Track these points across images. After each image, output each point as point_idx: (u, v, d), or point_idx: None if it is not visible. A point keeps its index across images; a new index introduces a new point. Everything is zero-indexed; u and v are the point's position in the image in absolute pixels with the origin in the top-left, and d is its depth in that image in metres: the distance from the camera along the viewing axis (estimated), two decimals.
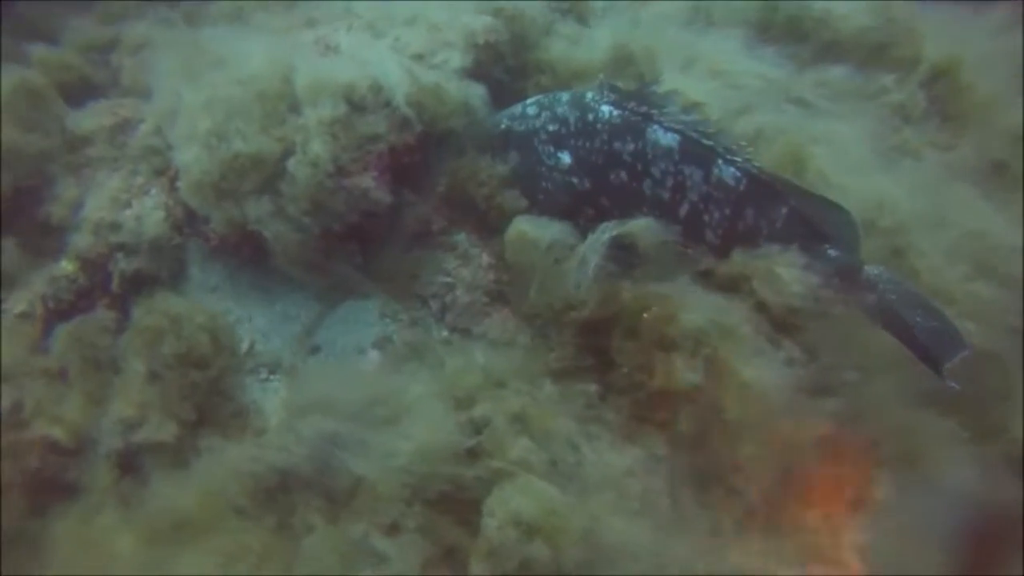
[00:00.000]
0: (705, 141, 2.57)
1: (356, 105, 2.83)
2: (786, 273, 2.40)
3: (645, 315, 2.46)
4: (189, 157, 2.72)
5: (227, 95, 2.79)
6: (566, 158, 2.80)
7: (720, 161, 2.55)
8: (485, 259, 2.99)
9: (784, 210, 2.51)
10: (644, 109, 2.65)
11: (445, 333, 2.96)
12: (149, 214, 3.13)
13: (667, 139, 2.60)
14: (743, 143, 2.58)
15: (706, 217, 2.61)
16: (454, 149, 3.13)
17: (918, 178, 2.90)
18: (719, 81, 3.12)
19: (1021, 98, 3.08)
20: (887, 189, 2.78)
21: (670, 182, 2.62)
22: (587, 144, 2.74)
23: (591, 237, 2.63)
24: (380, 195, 2.79)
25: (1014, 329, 2.58)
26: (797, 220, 2.50)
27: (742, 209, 2.55)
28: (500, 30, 3.28)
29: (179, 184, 2.84)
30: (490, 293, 2.94)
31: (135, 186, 3.24)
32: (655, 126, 2.62)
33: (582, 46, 3.37)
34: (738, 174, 2.54)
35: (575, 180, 2.81)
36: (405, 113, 2.87)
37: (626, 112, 2.67)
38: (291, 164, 2.68)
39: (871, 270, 2.46)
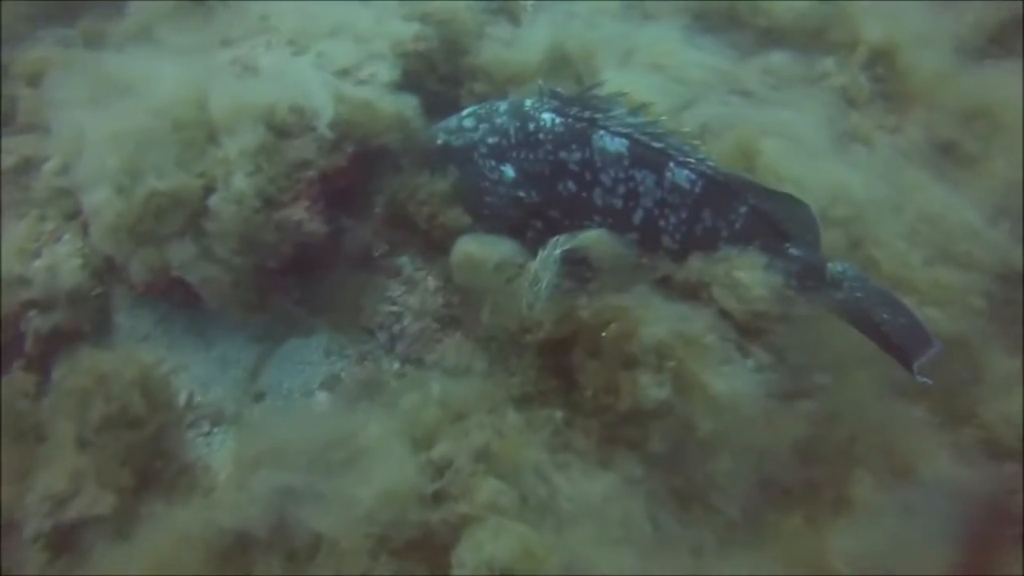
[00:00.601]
0: (655, 144, 2.46)
1: (279, 130, 2.63)
2: (747, 277, 2.31)
3: (604, 333, 2.34)
4: (99, 199, 2.48)
5: (137, 126, 2.56)
6: (509, 172, 2.65)
7: (672, 164, 2.45)
8: (431, 282, 2.83)
9: (743, 209, 2.42)
10: (588, 114, 2.51)
11: (397, 365, 2.79)
12: (63, 263, 2.87)
13: (615, 145, 2.48)
14: (696, 142, 2.47)
15: (662, 222, 2.50)
16: (390, 167, 2.95)
17: (870, 164, 2.85)
18: (661, 75, 3.01)
19: (963, 77, 3.04)
20: (840, 177, 2.72)
21: (622, 189, 2.50)
22: (531, 156, 2.60)
23: (542, 254, 2.49)
24: (315, 226, 2.60)
25: (977, 311, 2.54)
26: (757, 219, 2.41)
27: (699, 212, 2.45)
28: (430, 37, 3.11)
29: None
30: (440, 319, 2.79)
31: (45, 233, 2.97)
32: (601, 132, 2.49)
33: (516, 48, 3.22)
34: (692, 176, 2.44)
35: (522, 193, 2.66)
36: (333, 134, 2.68)
37: (569, 119, 2.54)
38: (214, 201, 2.47)
39: (835, 267, 2.39)
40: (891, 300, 2.32)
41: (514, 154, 2.62)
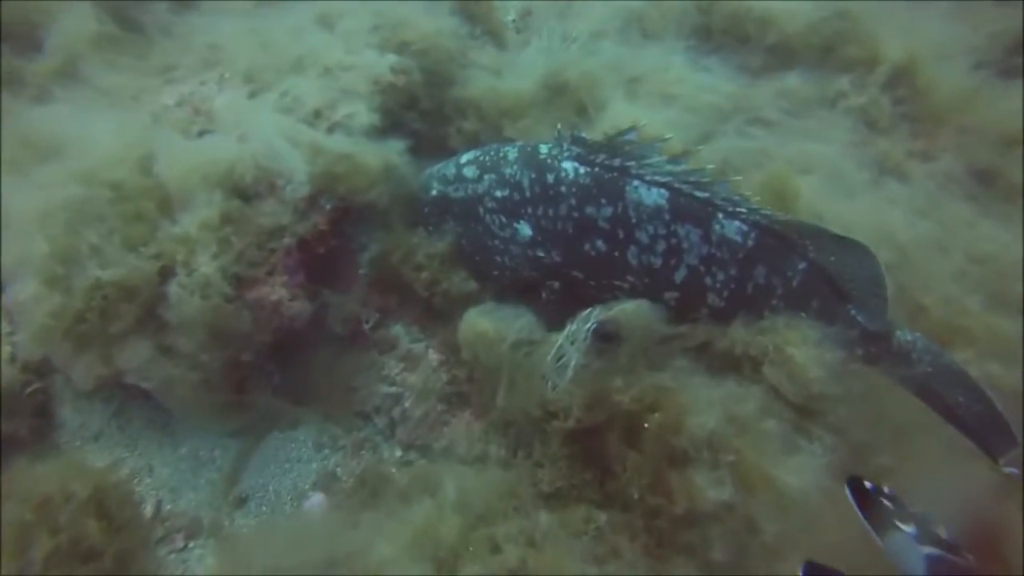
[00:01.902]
0: (699, 193, 2.14)
1: (245, 194, 2.22)
2: (801, 355, 2.02)
3: (647, 425, 2.03)
4: (26, 294, 2.03)
5: (68, 199, 2.12)
6: (525, 229, 2.29)
7: (721, 215, 2.14)
8: (433, 356, 2.47)
9: (801, 265, 2.14)
10: (618, 163, 2.17)
11: (399, 453, 2.43)
12: None
13: (653, 196, 2.15)
14: (748, 194, 2.17)
15: (708, 280, 2.19)
16: (377, 224, 2.57)
17: (908, 198, 2.60)
18: (674, 107, 2.69)
19: (990, 94, 2.81)
20: (881, 217, 2.46)
21: (662, 246, 2.18)
22: (550, 211, 2.25)
23: (569, 328, 2.16)
24: (296, 306, 2.22)
25: None
26: (816, 276, 2.13)
27: (751, 268, 2.16)
28: (410, 69, 2.72)
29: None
30: (446, 398, 2.44)
31: None
32: (635, 182, 2.16)
33: (507, 77, 2.86)
34: (745, 228, 2.14)
35: (540, 253, 2.31)
36: (308, 190, 2.28)
37: (596, 168, 2.19)
38: (173, 289, 2.06)
39: (903, 336, 2.12)
40: (965, 380, 2.06)
41: (530, 209, 2.27)
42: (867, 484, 1.43)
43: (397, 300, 2.54)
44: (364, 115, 2.51)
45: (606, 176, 2.18)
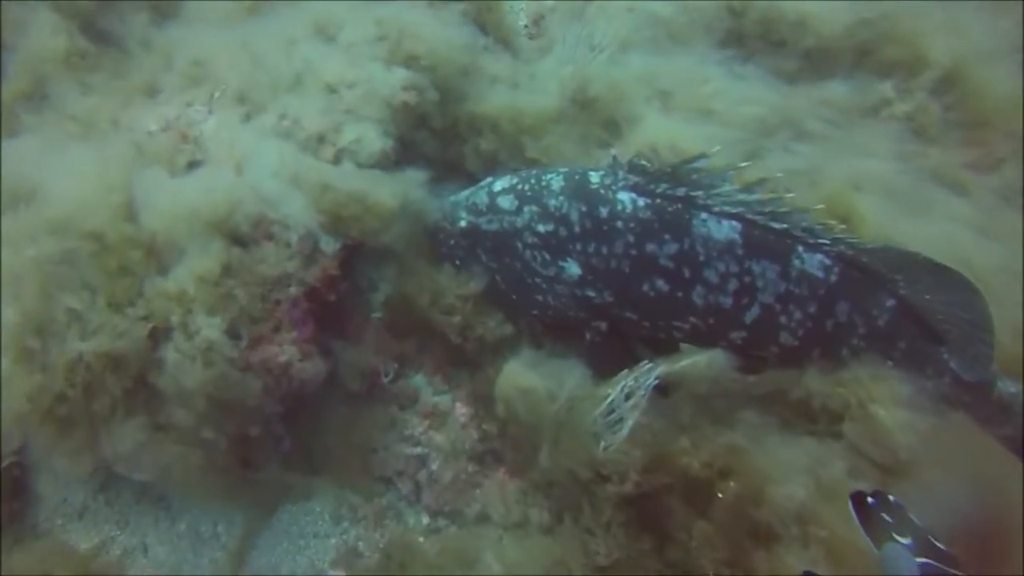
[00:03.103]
0: (776, 225, 1.90)
1: (243, 239, 1.95)
2: (888, 416, 1.79)
3: (720, 495, 1.79)
4: None
5: (42, 255, 1.83)
6: (574, 269, 2.03)
7: (801, 248, 1.90)
8: (461, 410, 2.22)
9: (890, 303, 1.92)
10: (683, 192, 1.92)
11: (427, 520, 2.18)
12: None
13: (724, 230, 1.91)
14: (832, 222, 1.94)
15: (783, 319, 1.96)
16: (389, 261, 2.30)
17: (972, 216, 2.37)
18: (713, 122, 2.44)
19: None
20: (950, 239, 2.23)
21: (733, 285, 1.94)
22: (604, 249, 1.99)
23: (626, 381, 1.92)
24: (308, 367, 1.94)
25: None
26: (906, 316, 1.91)
27: (833, 305, 1.93)
28: (422, 85, 2.45)
29: None
30: (477, 456, 2.18)
31: None
32: (703, 215, 1.91)
33: (527, 90, 2.59)
34: (828, 261, 1.91)
35: (591, 294, 2.05)
36: (315, 235, 2.02)
37: (658, 200, 1.94)
38: (171, 356, 1.78)
39: (1006, 387, 1.90)
40: None
41: (579, 246, 2.01)
42: (869, 496, 1.35)
43: (416, 346, 2.28)
44: (375, 140, 2.23)
45: (669, 208, 1.93)
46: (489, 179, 2.20)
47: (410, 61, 2.49)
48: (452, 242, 2.20)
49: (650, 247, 1.94)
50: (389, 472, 2.18)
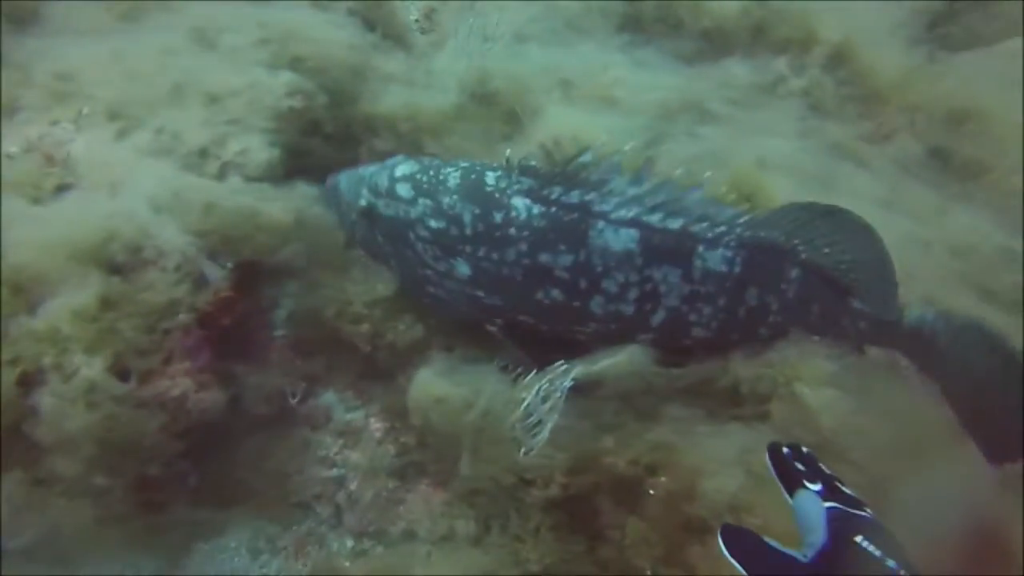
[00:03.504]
0: (673, 224, 1.86)
1: (122, 268, 1.79)
2: (814, 398, 1.79)
3: (651, 492, 1.76)
4: None
5: None
6: (463, 268, 1.96)
7: (702, 247, 1.87)
8: (375, 425, 2.12)
9: (795, 273, 1.91)
10: (577, 198, 1.85)
11: (351, 543, 2.07)
12: None
13: (622, 240, 1.85)
14: (724, 190, 1.96)
15: (692, 316, 1.93)
16: (290, 276, 2.17)
17: (874, 188, 2.41)
18: (616, 110, 2.41)
19: (930, 70, 2.67)
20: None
21: (634, 294, 1.89)
22: (494, 255, 1.90)
23: (540, 384, 1.86)
24: (206, 397, 1.81)
25: None
26: (813, 280, 1.92)
27: (742, 293, 1.91)
28: (309, 89, 2.32)
29: None
30: (397, 472, 2.09)
31: None
32: (600, 224, 1.85)
33: (422, 87, 2.49)
34: (729, 254, 1.88)
35: (480, 294, 1.98)
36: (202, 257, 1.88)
37: (553, 209, 1.87)
38: (46, 401, 1.62)
39: (915, 315, 1.93)
40: (991, 367, 1.87)
41: (469, 249, 1.93)
42: (784, 448, 1.37)
43: (324, 363, 2.17)
44: (261, 151, 2.11)
45: (565, 218, 1.86)
46: (395, 159, 2.09)
47: (295, 63, 2.37)
48: (353, 217, 2.09)
49: (544, 257, 1.87)
50: (307, 497, 2.06)
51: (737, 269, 1.89)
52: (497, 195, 1.90)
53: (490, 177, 1.94)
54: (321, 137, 2.40)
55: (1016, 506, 1.83)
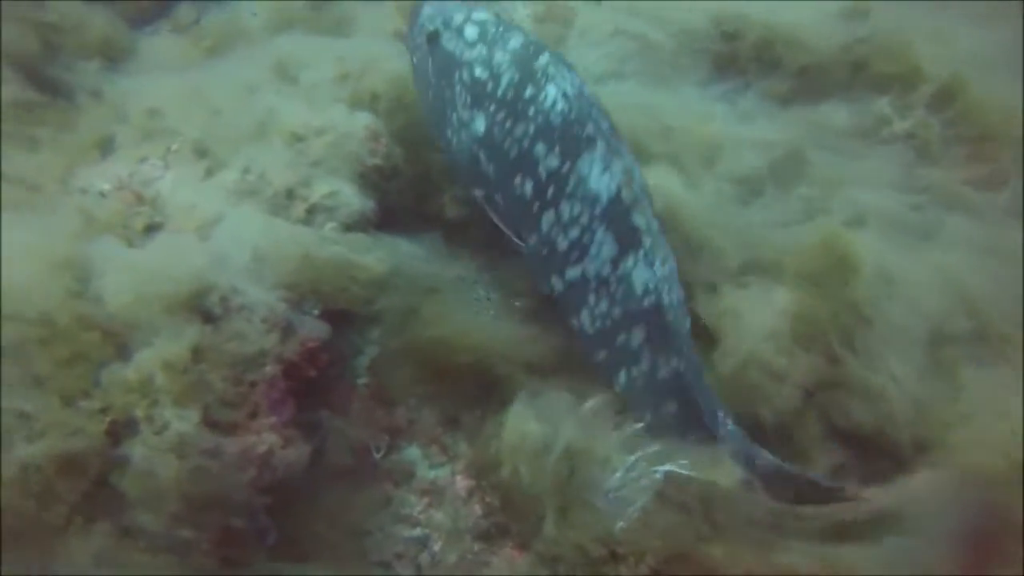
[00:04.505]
0: (637, 216, 1.88)
1: (212, 315, 1.75)
2: None
3: None
4: None
5: None
6: (480, 125, 2.04)
7: (641, 253, 1.89)
8: (461, 483, 2.03)
9: (675, 364, 1.90)
10: (593, 128, 1.90)
11: None
12: None
13: (602, 182, 1.90)
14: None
15: (591, 299, 1.97)
16: (373, 322, 2.12)
17: (977, 239, 2.27)
18: (714, 170, 2.31)
19: None
20: (952, 272, 2.14)
21: (574, 234, 1.95)
22: (508, 125, 1.98)
23: (634, 462, 1.77)
24: (291, 454, 1.75)
25: None
26: (682, 386, 1.90)
27: (631, 325, 1.93)
28: (386, 133, 2.28)
29: None
30: (482, 534, 1.99)
31: None
32: (596, 156, 1.89)
33: None
34: (650, 286, 1.89)
35: (481, 156, 2.06)
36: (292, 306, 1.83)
37: (574, 115, 1.91)
38: (138, 453, 1.57)
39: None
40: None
41: (493, 109, 2.00)
42: None
43: (407, 415, 2.10)
44: (352, 197, 2.07)
45: (574, 129, 1.91)
46: (478, 3, 2.16)
47: (375, 101, 2.34)
48: (419, 40, 2.16)
49: (539, 148, 1.95)
50: (387, 556, 1.97)
51: (645, 303, 1.89)
52: (539, 74, 1.95)
53: (544, 58, 1.97)
54: (401, 182, 2.34)
55: None
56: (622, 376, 1.97)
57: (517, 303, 2.21)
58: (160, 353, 1.63)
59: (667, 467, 1.75)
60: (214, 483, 1.62)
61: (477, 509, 1.99)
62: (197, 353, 1.67)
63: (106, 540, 1.58)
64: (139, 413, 1.59)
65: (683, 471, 1.79)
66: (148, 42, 3.08)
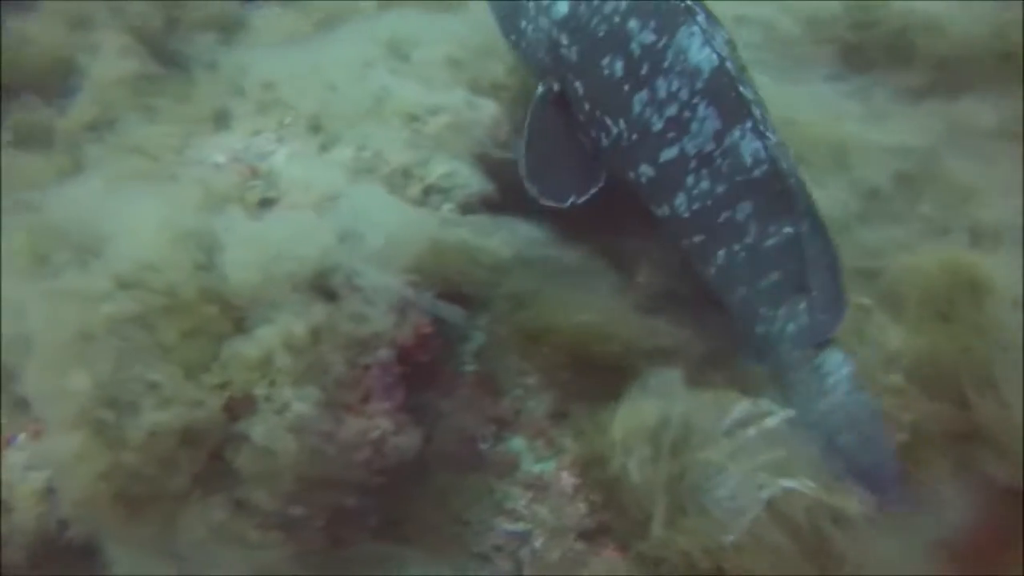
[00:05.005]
0: (744, 91, 1.78)
1: (332, 294, 1.73)
2: None
3: None
4: (67, 450, 1.55)
5: (116, 314, 1.63)
6: (563, 6, 1.97)
7: (749, 125, 1.77)
8: (567, 479, 1.97)
9: (788, 230, 1.78)
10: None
11: None
12: (17, 483, 1.94)
13: (702, 54, 1.79)
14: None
15: (690, 180, 1.85)
16: (482, 306, 2.07)
17: None
18: (845, 176, 2.17)
19: None
20: None
21: (672, 111, 1.83)
22: (596, 2, 1.90)
23: (751, 470, 1.67)
24: (404, 440, 1.72)
25: None
26: (795, 250, 1.77)
27: (738, 199, 1.82)
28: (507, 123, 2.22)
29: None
30: (586, 533, 1.93)
31: None
32: (695, 29, 1.80)
33: None
34: (762, 155, 1.76)
35: (564, 41, 1.98)
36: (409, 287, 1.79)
37: None
38: (256, 430, 1.57)
39: (830, 359, 1.75)
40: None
41: None
42: None
43: (513, 405, 2.05)
44: (470, 179, 2.02)
45: (672, 3, 1.83)
46: None
47: (498, 91, 2.28)
48: None
49: (631, 24, 1.86)
50: (487, 548, 1.94)
51: (756, 173, 1.77)
52: None
53: None
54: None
55: None
56: (720, 255, 1.87)
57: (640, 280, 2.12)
58: (281, 332, 1.62)
59: (788, 483, 1.64)
60: (329, 465, 1.61)
61: (581, 507, 1.93)
62: (316, 333, 1.65)
63: (222, 513, 1.58)
64: (259, 392, 1.58)
65: (806, 489, 1.67)
66: (258, 15, 3.11)
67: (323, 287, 1.71)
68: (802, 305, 1.78)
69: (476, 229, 1.90)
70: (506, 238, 1.91)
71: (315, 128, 2.28)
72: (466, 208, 1.99)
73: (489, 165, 2.15)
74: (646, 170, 1.91)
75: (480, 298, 1.99)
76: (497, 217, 2.00)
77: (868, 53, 2.52)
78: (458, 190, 2.01)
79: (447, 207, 1.97)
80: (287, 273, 1.66)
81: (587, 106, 1.98)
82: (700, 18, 1.81)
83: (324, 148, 2.21)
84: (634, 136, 1.90)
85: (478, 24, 2.56)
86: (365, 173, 2.07)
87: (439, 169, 2.05)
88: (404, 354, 1.79)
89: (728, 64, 1.79)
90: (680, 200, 1.89)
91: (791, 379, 1.81)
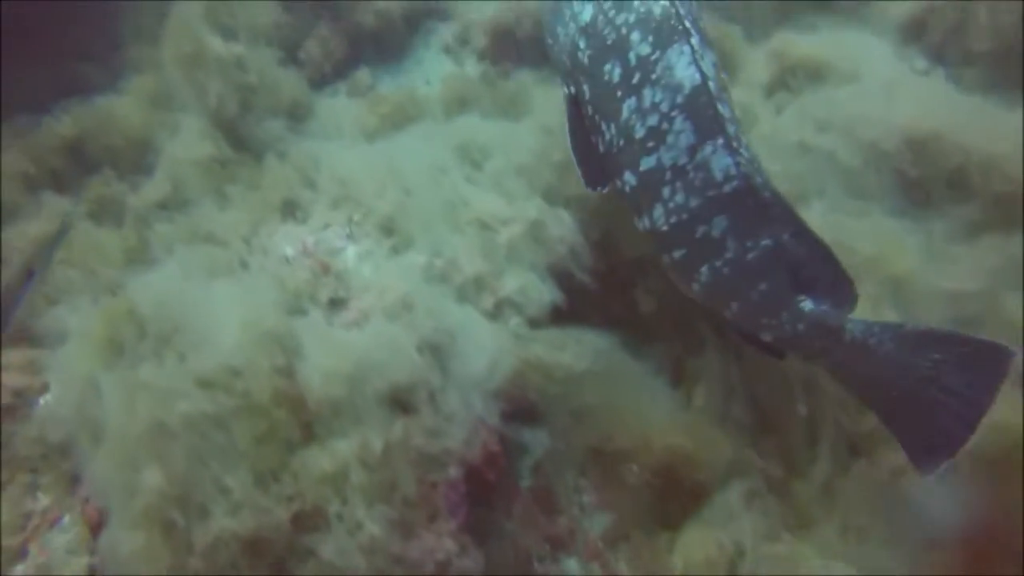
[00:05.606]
0: (720, 107, 1.86)
1: (406, 408, 1.73)
2: None
3: None
4: (132, 546, 1.52)
5: (193, 413, 1.63)
6: (587, 14, 2.10)
7: (720, 141, 1.84)
8: None
9: (766, 242, 1.84)
10: (688, 24, 1.94)
11: None
12: (63, 563, 1.92)
13: (686, 72, 1.89)
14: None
15: (666, 191, 1.91)
16: (541, 419, 2.06)
17: None
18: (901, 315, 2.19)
19: None
20: None
21: (653, 120, 1.92)
22: (612, 13, 2.04)
23: None
24: (467, 563, 1.69)
25: None
26: (777, 260, 1.85)
27: (712, 214, 1.87)
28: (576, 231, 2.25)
29: None
30: None
31: (35, 514, 2.03)
32: (686, 49, 1.90)
33: None
34: (733, 171, 1.83)
35: (581, 45, 2.10)
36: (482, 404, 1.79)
37: (676, 11, 1.95)
38: (327, 548, 1.55)
39: (857, 327, 1.81)
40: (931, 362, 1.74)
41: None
42: None
43: (568, 523, 2.02)
44: (543, 291, 2.04)
45: (671, 22, 1.94)
46: None
47: (570, 204, 2.32)
48: None
49: (634, 35, 1.98)
50: None
51: (727, 188, 1.84)
52: None
53: None
54: (588, 275, 2.30)
55: None
56: (704, 272, 1.92)
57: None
58: (358, 446, 1.61)
59: None
60: None
61: None
62: (389, 449, 1.64)
63: None
64: (331, 509, 1.57)
65: None
66: (326, 104, 3.19)
67: (401, 400, 1.71)
68: (805, 304, 1.85)
69: (549, 344, 1.90)
70: (577, 352, 1.91)
71: (387, 230, 2.29)
72: (534, 323, 2.00)
73: (560, 275, 2.17)
74: (629, 178, 2.00)
75: (541, 412, 1.98)
76: (565, 329, 2.00)
77: (929, 186, 2.56)
78: (530, 304, 2.03)
79: (515, 320, 1.97)
80: (373, 388, 1.66)
81: (590, 109, 2.11)
82: (694, 40, 1.92)
83: (396, 251, 2.23)
84: (621, 141, 2.01)
85: (546, 133, 2.63)
86: (438, 281, 2.09)
87: (513, 283, 2.07)
88: (472, 472, 1.77)
89: (710, 83, 1.89)
90: (658, 212, 1.96)
91: (834, 360, 1.86)
